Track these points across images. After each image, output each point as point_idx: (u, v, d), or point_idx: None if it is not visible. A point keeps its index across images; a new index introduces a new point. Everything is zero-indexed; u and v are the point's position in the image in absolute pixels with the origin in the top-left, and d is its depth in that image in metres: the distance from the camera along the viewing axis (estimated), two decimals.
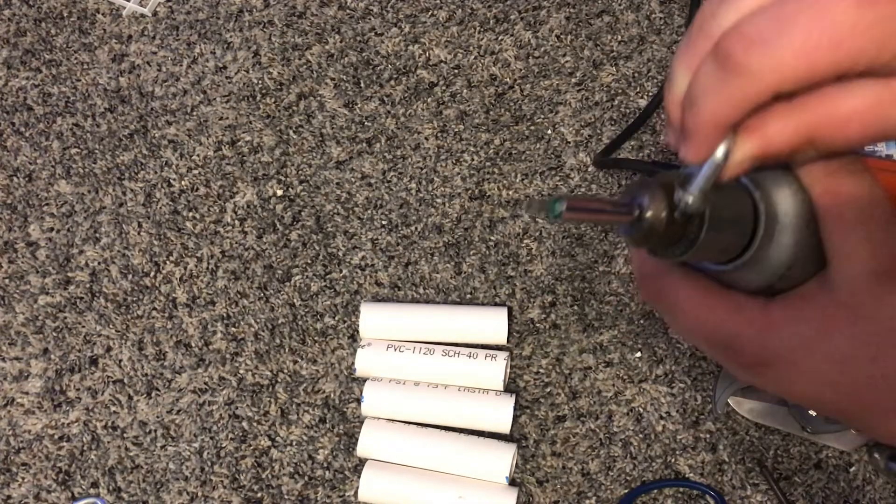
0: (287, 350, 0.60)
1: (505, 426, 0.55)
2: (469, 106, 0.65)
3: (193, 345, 0.61)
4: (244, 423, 0.59)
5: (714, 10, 0.29)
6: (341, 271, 0.62)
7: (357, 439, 0.56)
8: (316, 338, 0.60)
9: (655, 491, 0.55)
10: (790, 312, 0.33)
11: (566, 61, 0.65)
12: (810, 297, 0.33)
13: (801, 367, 0.32)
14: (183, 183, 0.65)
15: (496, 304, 0.60)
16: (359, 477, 0.55)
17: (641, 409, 0.57)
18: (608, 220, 0.31)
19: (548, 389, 0.58)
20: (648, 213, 0.30)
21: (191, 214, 0.64)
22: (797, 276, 0.32)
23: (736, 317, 0.33)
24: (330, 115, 0.65)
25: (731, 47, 0.28)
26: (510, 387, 0.58)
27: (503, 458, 0.54)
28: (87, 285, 0.62)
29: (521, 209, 0.62)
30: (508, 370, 0.57)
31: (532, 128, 0.64)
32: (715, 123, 0.29)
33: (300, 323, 0.61)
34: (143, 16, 0.70)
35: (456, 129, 0.64)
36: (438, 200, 0.63)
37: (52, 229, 0.64)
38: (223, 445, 0.58)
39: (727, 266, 0.33)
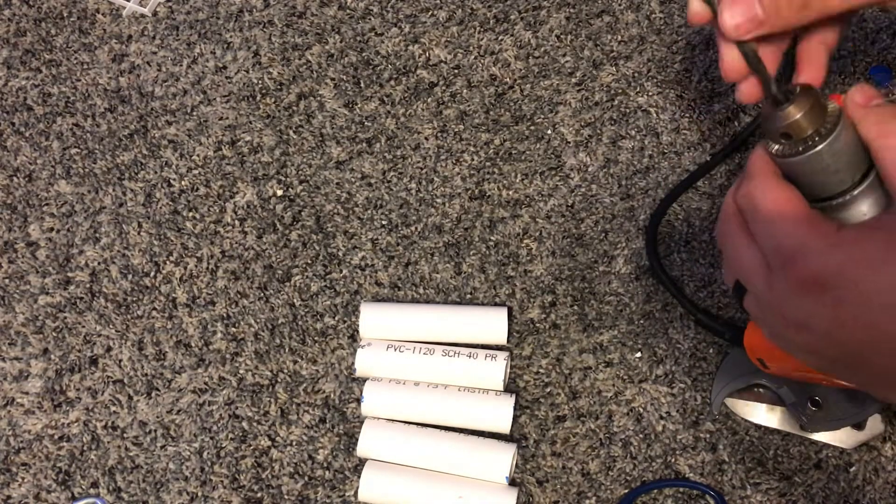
0: (287, 350, 0.60)
1: (505, 426, 0.55)
2: (469, 106, 0.65)
3: (193, 345, 0.61)
4: (244, 423, 0.59)
5: None
6: (341, 271, 0.62)
7: (357, 439, 0.56)
8: (316, 338, 0.60)
9: (655, 491, 0.55)
10: (862, 234, 0.33)
11: (566, 61, 0.65)
12: (882, 224, 0.33)
13: (860, 287, 0.32)
14: (183, 183, 0.65)
15: (496, 304, 0.60)
16: (359, 477, 0.55)
17: (641, 409, 0.57)
18: (762, 83, 0.37)
19: (548, 389, 0.58)
20: (796, 100, 0.35)
21: (191, 214, 0.64)
22: None
23: (809, 227, 0.34)
24: (330, 115, 0.65)
25: None
26: (510, 387, 0.58)
27: (503, 458, 0.54)
28: (87, 285, 0.62)
29: None
30: (508, 370, 0.57)
31: (532, 128, 0.64)
32: None
33: (300, 323, 0.61)
34: (143, 16, 0.70)
35: (456, 129, 0.64)
36: (438, 200, 0.63)
37: (52, 229, 0.64)
38: (223, 445, 0.58)
39: (825, 203, 0.36)
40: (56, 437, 0.59)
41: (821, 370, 0.39)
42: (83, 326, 0.62)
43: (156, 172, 0.65)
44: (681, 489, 0.55)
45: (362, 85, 0.66)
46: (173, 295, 0.62)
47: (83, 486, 0.58)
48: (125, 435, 0.59)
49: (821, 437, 0.54)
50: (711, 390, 0.56)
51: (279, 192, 0.64)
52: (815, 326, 0.34)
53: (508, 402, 0.55)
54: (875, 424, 0.53)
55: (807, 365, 0.38)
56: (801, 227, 0.34)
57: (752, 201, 0.36)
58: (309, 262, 0.62)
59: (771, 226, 0.35)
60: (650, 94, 0.64)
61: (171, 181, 0.65)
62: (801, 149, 0.35)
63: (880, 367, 0.34)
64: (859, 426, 0.53)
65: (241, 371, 0.60)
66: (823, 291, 0.33)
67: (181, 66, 0.68)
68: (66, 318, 0.62)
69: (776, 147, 0.36)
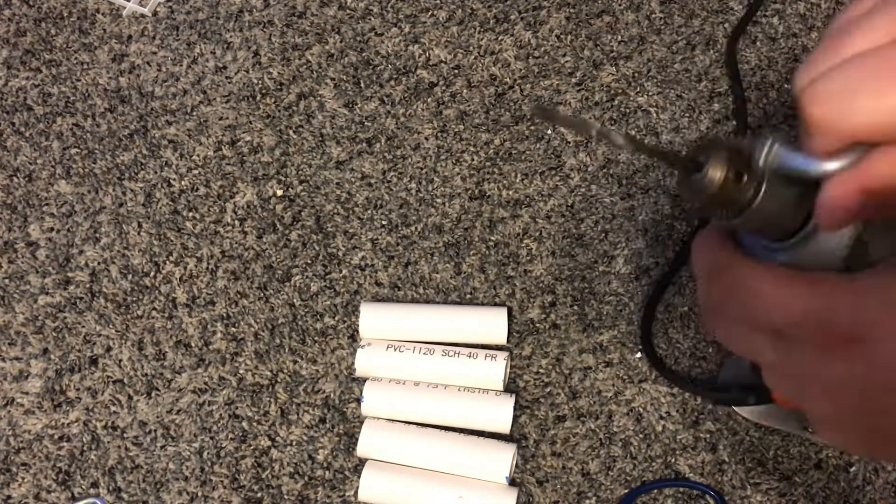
0: (287, 350, 0.60)
1: (505, 426, 0.55)
2: (469, 106, 0.65)
3: (193, 345, 0.61)
4: (244, 423, 0.59)
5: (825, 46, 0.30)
6: (341, 271, 0.62)
7: (357, 439, 0.56)
8: (316, 338, 0.60)
9: (655, 491, 0.55)
10: (883, 279, 0.30)
11: (566, 61, 0.65)
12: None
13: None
14: (183, 183, 0.65)
15: (496, 304, 0.60)
16: (359, 477, 0.55)
17: (641, 409, 0.57)
18: (670, 165, 0.32)
19: (548, 389, 0.58)
20: (711, 167, 0.31)
21: (191, 214, 0.64)
22: (878, 250, 0.31)
23: (824, 287, 0.31)
24: (330, 115, 0.65)
25: (805, 105, 0.29)
26: (510, 387, 0.58)
27: (503, 458, 0.54)
28: (87, 285, 0.62)
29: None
30: (508, 370, 0.57)
31: (532, 128, 0.64)
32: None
33: (300, 323, 0.61)
34: (143, 16, 0.70)
35: (456, 129, 0.64)
36: (438, 200, 0.63)
37: (52, 229, 0.64)
38: (223, 445, 0.58)
39: (789, 241, 0.32)
40: (56, 437, 0.59)
41: (846, 445, 0.36)
42: (83, 326, 0.62)
43: (156, 172, 0.65)
44: (681, 489, 0.55)
45: (362, 85, 0.66)
46: (173, 295, 0.62)
47: (83, 486, 0.58)
48: (125, 435, 0.59)
49: (821, 436, 0.54)
50: None
51: (279, 192, 0.64)
52: (848, 387, 0.31)
53: (508, 402, 0.55)
54: None
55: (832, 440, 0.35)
56: (816, 289, 0.31)
57: (739, 290, 0.33)
58: (309, 262, 0.62)
59: (782, 304, 0.32)
60: (650, 94, 0.64)
61: (171, 181, 0.65)
62: (743, 204, 0.31)
63: None
64: None
65: (241, 371, 0.60)
66: (860, 345, 0.30)
67: (181, 66, 0.68)
68: (66, 318, 0.62)
69: (718, 218, 0.32)
